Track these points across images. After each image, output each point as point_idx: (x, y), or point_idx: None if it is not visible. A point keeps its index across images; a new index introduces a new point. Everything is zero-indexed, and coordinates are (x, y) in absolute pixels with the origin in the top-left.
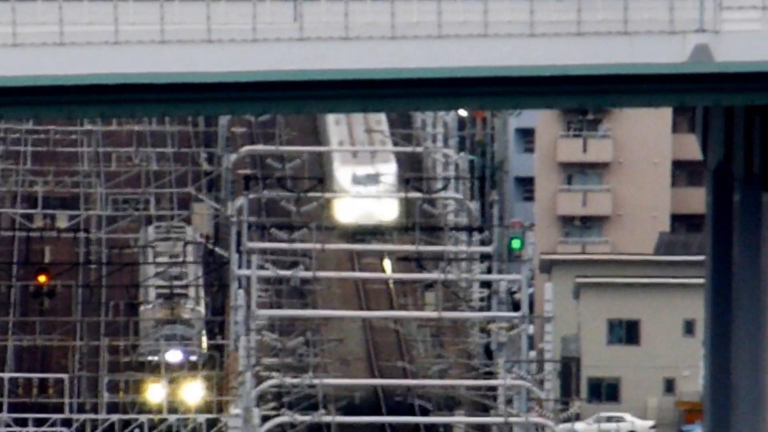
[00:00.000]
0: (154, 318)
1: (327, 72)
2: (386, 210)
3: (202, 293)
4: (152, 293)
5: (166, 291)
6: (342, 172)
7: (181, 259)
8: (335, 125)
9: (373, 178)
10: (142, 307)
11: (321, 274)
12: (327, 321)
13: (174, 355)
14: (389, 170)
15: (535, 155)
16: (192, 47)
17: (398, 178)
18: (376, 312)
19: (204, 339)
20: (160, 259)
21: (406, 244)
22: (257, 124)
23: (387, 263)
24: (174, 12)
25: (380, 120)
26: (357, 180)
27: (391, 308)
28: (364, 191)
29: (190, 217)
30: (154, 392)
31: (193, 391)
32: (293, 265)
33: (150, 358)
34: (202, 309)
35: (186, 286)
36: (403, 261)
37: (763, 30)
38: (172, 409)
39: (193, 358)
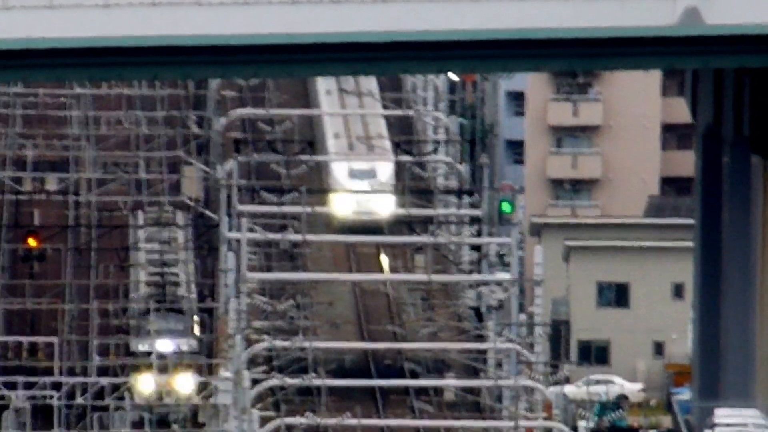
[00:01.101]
0: (145, 306)
1: (317, 35)
2: (383, 205)
3: (193, 279)
4: (143, 279)
5: (158, 278)
6: (338, 166)
7: (172, 247)
8: (326, 94)
9: (370, 173)
10: (132, 294)
11: (311, 237)
12: (317, 284)
13: (165, 345)
14: (386, 165)
15: (526, 118)
16: (182, 10)
17: (395, 174)
18: (366, 275)
19: (196, 328)
20: (150, 245)
21: (396, 207)
22: (247, 87)
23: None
24: None
25: (370, 83)
26: (353, 174)
27: (381, 271)
28: (360, 186)
29: (180, 182)
30: (145, 382)
31: (185, 381)
32: (283, 228)
33: (141, 347)
34: (194, 296)
35: (177, 274)
36: (393, 224)
37: None
38: (162, 400)
39: (185, 348)
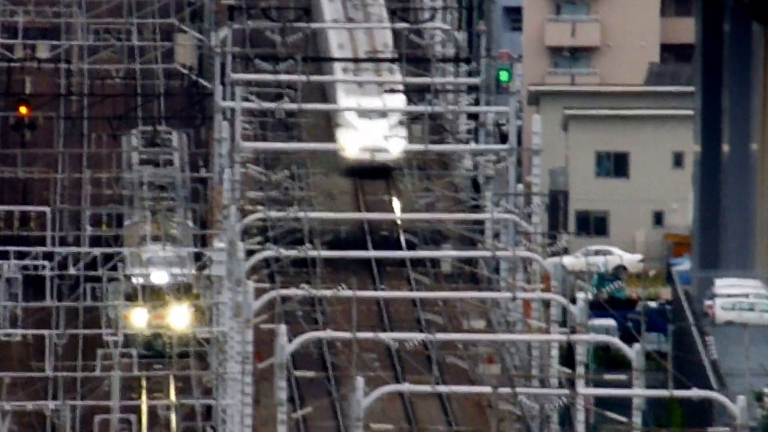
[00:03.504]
0: (139, 234)
1: None
2: (394, 146)
3: (189, 211)
4: (137, 206)
5: (152, 203)
6: (346, 104)
7: (168, 170)
8: None
9: (380, 112)
10: (127, 221)
11: (306, 106)
12: (313, 154)
13: (160, 277)
14: (397, 102)
15: None
16: None
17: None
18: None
19: (192, 261)
20: (145, 168)
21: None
22: None
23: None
24: None
25: None
26: (363, 112)
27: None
28: (370, 125)
29: (174, 49)
30: (138, 317)
31: (180, 315)
32: (278, 97)
33: (135, 281)
34: (190, 223)
35: (174, 199)
36: (390, 93)
37: None
38: (156, 334)
39: (181, 279)
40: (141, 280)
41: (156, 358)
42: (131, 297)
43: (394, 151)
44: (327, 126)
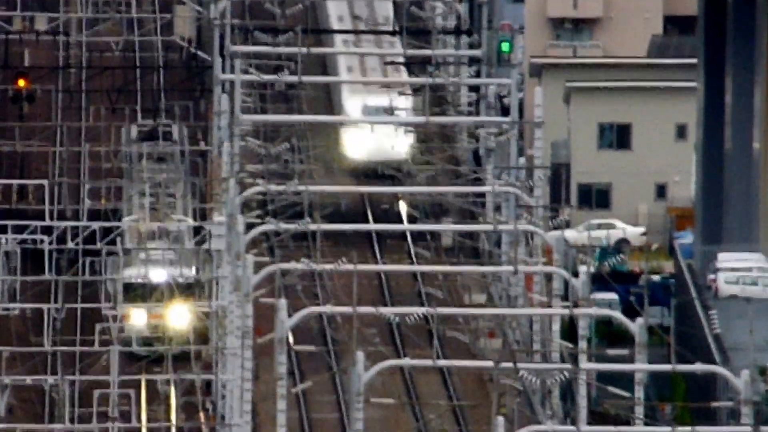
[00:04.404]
0: (138, 231)
1: None
2: (400, 145)
3: (189, 203)
4: (137, 203)
5: (152, 199)
6: (351, 103)
7: (168, 165)
8: None
9: (387, 110)
10: (126, 218)
11: (306, 78)
12: (313, 126)
13: (159, 275)
14: (404, 101)
15: None
16: None
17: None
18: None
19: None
20: (145, 163)
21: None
22: None
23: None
24: None
25: None
26: (368, 111)
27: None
28: (376, 126)
29: (173, 21)
30: (138, 317)
31: (180, 314)
32: (278, 69)
33: (134, 280)
34: (190, 219)
35: (173, 195)
36: (390, 65)
37: None
38: (157, 337)
39: (180, 279)
40: (140, 279)
41: (156, 362)
42: (130, 294)
43: (400, 151)
44: (327, 98)
